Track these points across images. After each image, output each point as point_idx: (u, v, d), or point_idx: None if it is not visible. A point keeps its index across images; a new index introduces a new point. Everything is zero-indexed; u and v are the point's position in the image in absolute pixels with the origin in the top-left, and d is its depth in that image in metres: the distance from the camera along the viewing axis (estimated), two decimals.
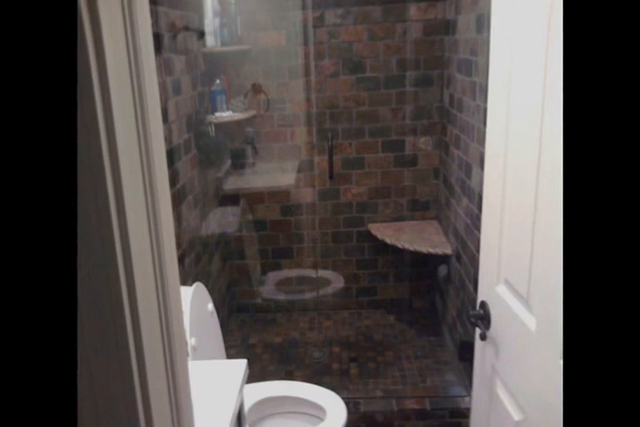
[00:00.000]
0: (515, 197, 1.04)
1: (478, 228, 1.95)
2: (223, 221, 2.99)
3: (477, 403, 1.36)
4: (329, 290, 3.18)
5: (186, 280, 2.14)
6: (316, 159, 2.93)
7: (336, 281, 3.14)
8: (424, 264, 3.03)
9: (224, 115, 2.64)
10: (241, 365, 1.34)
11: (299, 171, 2.96)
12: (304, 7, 2.72)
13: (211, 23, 2.55)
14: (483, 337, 1.19)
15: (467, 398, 2.24)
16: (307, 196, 3.02)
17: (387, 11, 2.70)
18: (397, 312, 3.13)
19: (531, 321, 0.98)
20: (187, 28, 2.34)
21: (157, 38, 1.94)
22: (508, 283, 1.10)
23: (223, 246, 3.01)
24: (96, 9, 0.47)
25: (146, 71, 0.56)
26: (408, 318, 3.07)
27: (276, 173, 2.98)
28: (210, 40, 2.57)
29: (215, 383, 1.26)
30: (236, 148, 2.92)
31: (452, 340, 2.65)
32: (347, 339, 2.89)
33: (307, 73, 2.79)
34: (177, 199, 2.12)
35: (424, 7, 2.67)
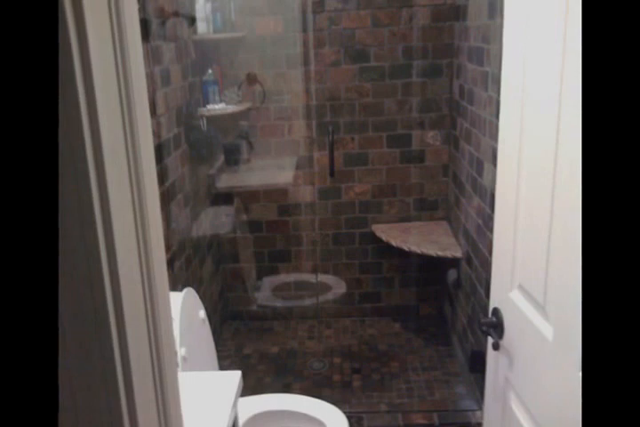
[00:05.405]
0: (530, 196, 1.04)
1: (491, 229, 1.95)
2: (216, 221, 2.99)
3: (489, 418, 1.36)
4: (329, 296, 3.18)
5: (175, 285, 2.14)
6: (316, 155, 2.93)
7: (337, 286, 3.14)
8: (432, 268, 3.02)
9: (217, 107, 2.64)
10: (235, 377, 1.34)
11: (297, 168, 2.96)
12: None
13: (202, 8, 2.55)
14: (495, 347, 1.19)
15: (478, 413, 2.24)
16: (306, 194, 3.02)
17: None
18: (403, 320, 3.13)
19: (547, 329, 0.98)
20: (176, 14, 2.34)
21: (145, 25, 1.94)
22: (522, 288, 1.10)
23: (216, 249, 3.01)
24: None
25: (132, 60, 0.56)
26: (415, 326, 3.07)
27: (272, 169, 2.98)
28: (201, 27, 2.57)
29: (207, 397, 1.26)
30: (230, 143, 2.92)
31: (462, 350, 2.65)
32: (349, 349, 2.89)
33: (306, 62, 2.79)
34: (166, 198, 2.12)
35: None
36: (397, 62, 2.78)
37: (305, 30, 2.75)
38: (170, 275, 2.05)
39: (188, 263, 2.39)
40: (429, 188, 2.97)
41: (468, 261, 2.45)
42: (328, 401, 1.93)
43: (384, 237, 2.84)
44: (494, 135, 1.93)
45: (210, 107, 2.63)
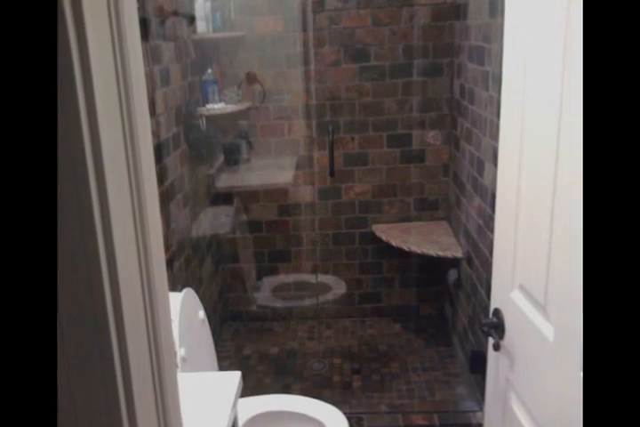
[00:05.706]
0: (531, 196, 1.04)
1: (491, 229, 1.95)
2: (215, 221, 2.99)
3: (490, 418, 1.36)
4: (329, 296, 3.18)
5: (175, 286, 2.14)
6: (316, 155, 2.93)
7: (337, 287, 3.14)
8: (432, 268, 3.02)
9: (216, 107, 2.64)
10: (234, 377, 1.34)
11: (297, 167, 2.96)
12: None
13: (202, 7, 2.55)
14: (496, 347, 1.19)
15: (479, 414, 2.24)
16: (306, 194, 3.02)
17: None
18: (404, 320, 3.13)
19: (548, 330, 0.98)
20: (176, 13, 2.34)
21: (144, 24, 1.94)
22: (523, 288, 1.10)
23: (215, 249, 3.01)
24: None
25: (131, 59, 0.56)
26: (415, 326, 3.07)
27: (272, 169, 2.98)
28: (201, 26, 2.57)
29: (207, 397, 1.26)
30: (229, 142, 2.92)
31: (462, 350, 2.65)
32: (349, 349, 2.89)
33: (306, 62, 2.79)
34: (165, 198, 2.12)
35: None
36: (398, 62, 2.78)
37: (305, 30, 2.75)
38: (169, 275, 2.05)
39: (187, 263, 2.39)
40: (430, 188, 2.97)
41: (469, 261, 2.45)
42: (328, 402, 1.93)
43: (384, 238, 2.84)
44: (495, 135, 1.93)
45: (209, 106, 2.63)
